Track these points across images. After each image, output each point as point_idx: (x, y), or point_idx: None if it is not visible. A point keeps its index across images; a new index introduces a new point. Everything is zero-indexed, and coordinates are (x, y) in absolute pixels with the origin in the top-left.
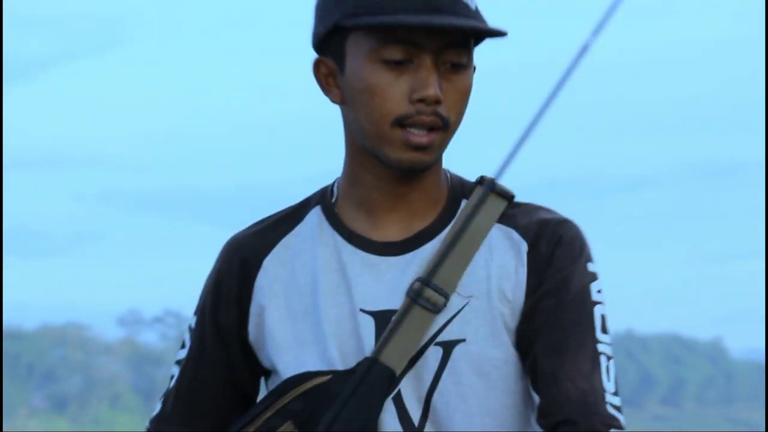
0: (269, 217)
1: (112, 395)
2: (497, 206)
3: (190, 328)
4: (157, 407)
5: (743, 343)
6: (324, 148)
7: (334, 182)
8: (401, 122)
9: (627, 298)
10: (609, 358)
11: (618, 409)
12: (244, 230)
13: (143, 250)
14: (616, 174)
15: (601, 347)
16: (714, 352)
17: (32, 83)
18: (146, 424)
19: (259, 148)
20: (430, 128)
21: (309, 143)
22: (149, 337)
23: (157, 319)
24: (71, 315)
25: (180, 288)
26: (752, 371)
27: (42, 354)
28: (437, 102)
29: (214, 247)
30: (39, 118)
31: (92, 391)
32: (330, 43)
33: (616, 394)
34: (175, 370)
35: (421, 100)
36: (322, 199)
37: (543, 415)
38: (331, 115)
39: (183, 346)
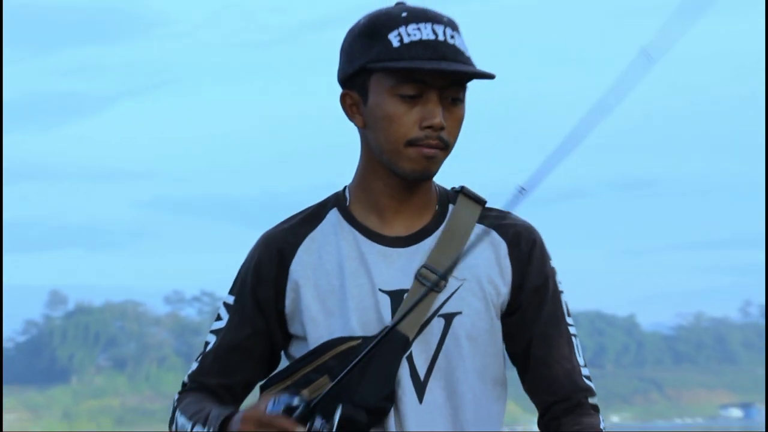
0: (294, 217)
1: (159, 357)
2: (475, 210)
3: (226, 304)
4: (194, 366)
5: (651, 319)
6: (323, 166)
7: (344, 189)
8: (413, 143)
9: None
10: (575, 336)
11: (589, 378)
12: (275, 227)
13: (184, 245)
14: (555, 186)
15: (571, 329)
16: (628, 326)
17: (100, 116)
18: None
19: (274, 163)
20: (437, 147)
21: (312, 161)
22: (189, 312)
23: (196, 298)
24: (129, 294)
25: (213, 274)
26: (658, 340)
27: (106, 325)
28: (441, 128)
29: (240, 242)
30: (105, 141)
31: (144, 354)
32: (356, 80)
33: (585, 366)
34: (212, 337)
35: (429, 127)
36: (337, 202)
37: (536, 394)
38: (328, 143)
39: (219, 319)
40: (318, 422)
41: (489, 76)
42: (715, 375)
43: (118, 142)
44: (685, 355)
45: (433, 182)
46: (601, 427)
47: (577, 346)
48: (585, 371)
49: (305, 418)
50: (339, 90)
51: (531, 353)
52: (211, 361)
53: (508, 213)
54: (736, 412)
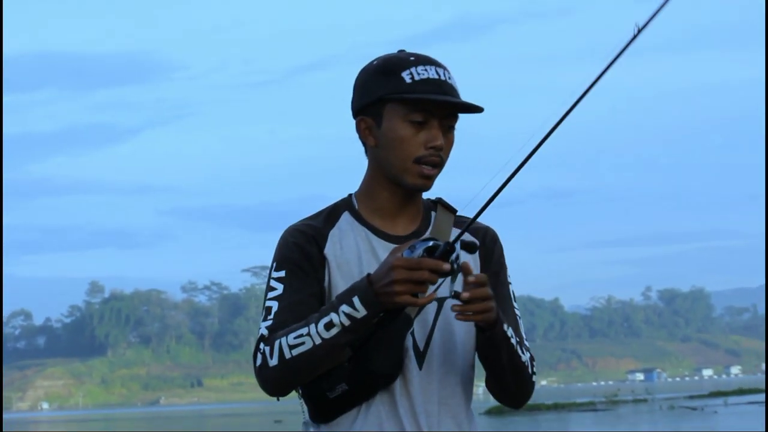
0: (314, 216)
1: (177, 335)
2: (450, 216)
3: (277, 278)
4: (267, 323)
5: (571, 302)
6: (307, 182)
7: (350, 196)
8: (419, 161)
9: None
10: (520, 317)
11: (529, 350)
12: (300, 223)
13: (197, 244)
14: (501, 199)
15: (517, 312)
16: (553, 307)
17: (129, 143)
18: (259, 334)
19: (270, 179)
20: (434, 165)
21: (299, 178)
22: (201, 298)
23: (206, 287)
24: (153, 284)
25: (220, 267)
26: (577, 319)
27: (134, 309)
28: (441, 149)
29: (240, 242)
30: (133, 163)
31: (165, 332)
32: (371, 108)
33: (525, 340)
34: (273, 303)
35: (433, 147)
36: (347, 206)
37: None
38: (312, 164)
39: (273, 289)
40: (455, 259)
41: (479, 109)
42: (623, 346)
43: (144, 163)
44: (599, 330)
45: (421, 194)
46: (532, 361)
47: (521, 325)
48: (526, 344)
49: (446, 254)
50: (321, 121)
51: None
52: (286, 315)
53: (474, 219)
54: (639, 376)
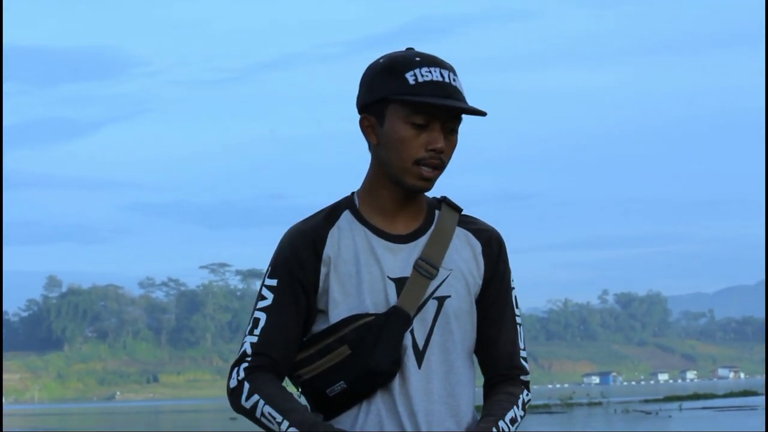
0: (314, 216)
1: (134, 330)
2: (454, 215)
3: (269, 287)
4: (253, 339)
5: (528, 304)
6: (267, 180)
7: (352, 194)
8: (419, 162)
9: None
10: (520, 325)
11: (526, 360)
12: (301, 223)
13: (155, 240)
14: (460, 199)
15: (518, 319)
16: None
17: (89, 138)
18: (239, 350)
19: (229, 177)
20: (434, 167)
21: (259, 176)
22: (158, 294)
23: (164, 283)
24: (111, 279)
25: (178, 263)
26: (534, 321)
27: (92, 304)
28: (441, 152)
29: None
30: (93, 158)
31: (122, 328)
32: (374, 107)
33: (524, 349)
34: (262, 314)
35: (433, 150)
36: (348, 205)
37: (483, 366)
38: (272, 162)
39: (263, 299)
40: None
41: (482, 113)
42: (579, 349)
43: (104, 159)
44: (555, 333)
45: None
46: (524, 397)
47: (520, 333)
48: (523, 354)
49: None
50: (281, 119)
51: (484, 332)
52: (272, 335)
53: (478, 219)
54: (595, 379)
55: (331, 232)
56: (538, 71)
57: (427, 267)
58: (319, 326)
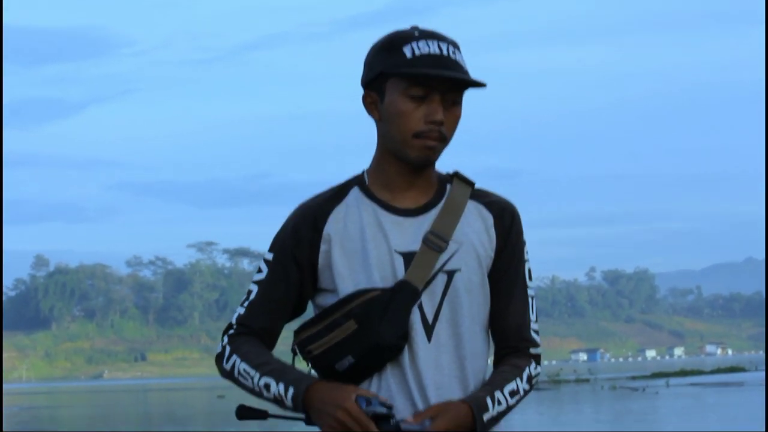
0: (324, 193)
1: (122, 309)
2: (466, 189)
3: (266, 260)
4: (240, 310)
5: None
6: (254, 159)
7: (363, 172)
8: (419, 135)
9: None
10: (532, 298)
11: (537, 332)
12: (309, 200)
13: (142, 219)
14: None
15: (529, 292)
16: None
17: (76, 118)
18: (231, 318)
19: (216, 156)
20: (436, 139)
21: (245, 156)
22: (146, 273)
23: (151, 262)
24: (98, 258)
25: (165, 242)
26: None
27: (80, 282)
28: (441, 124)
29: (186, 218)
30: (81, 138)
31: (110, 306)
32: (375, 84)
33: (536, 322)
34: (254, 287)
35: (432, 122)
36: (358, 182)
37: (493, 338)
38: (257, 141)
39: (259, 271)
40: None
41: (481, 84)
42: (566, 326)
43: (91, 138)
44: (543, 310)
45: (434, 167)
46: (531, 370)
47: (531, 305)
48: (534, 326)
49: (386, 423)
50: (268, 98)
51: (494, 304)
52: (257, 308)
53: (492, 192)
54: (583, 356)
55: (336, 209)
56: (522, 50)
57: (436, 240)
58: (326, 302)
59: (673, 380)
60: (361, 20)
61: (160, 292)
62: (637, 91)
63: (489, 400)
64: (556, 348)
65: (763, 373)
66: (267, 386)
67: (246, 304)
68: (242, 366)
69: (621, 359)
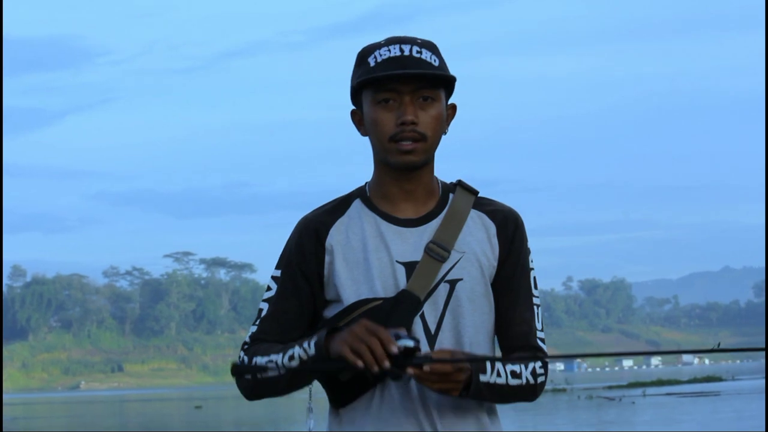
0: (325, 205)
1: (98, 319)
2: (470, 198)
3: (274, 278)
4: (253, 329)
5: None
6: (232, 168)
7: (365, 184)
8: (394, 138)
9: None
10: (538, 306)
11: (543, 341)
12: (311, 213)
13: (120, 229)
14: None
15: (535, 300)
16: None
17: (54, 127)
18: (244, 338)
19: (194, 165)
20: (414, 140)
21: (223, 164)
22: (123, 283)
23: (128, 272)
24: (75, 268)
25: (142, 252)
26: None
27: (56, 293)
28: (413, 123)
29: (163, 229)
30: (59, 147)
31: (87, 317)
32: (355, 99)
33: (542, 330)
34: (264, 305)
35: (403, 123)
36: (360, 194)
37: (500, 347)
38: (236, 149)
39: (269, 290)
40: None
41: (444, 76)
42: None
43: (69, 148)
44: None
45: (436, 177)
46: (537, 367)
47: (537, 314)
48: (540, 335)
49: (410, 356)
50: (246, 107)
51: (499, 313)
52: (269, 323)
53: (495, 201)
54: (560, 366)
55: (339, 220)
56: (502, 58)
57: (438, 250)
58: (331, 313)
59: (649, 390)
60: (339, 29)
61: (137, 302)
62: (615, 101)
63: (489, 364)
64: None
65: (740, 383)
66: (291, 357)
67: (258, 321)
68: (262, 361)
69: (598, 369)
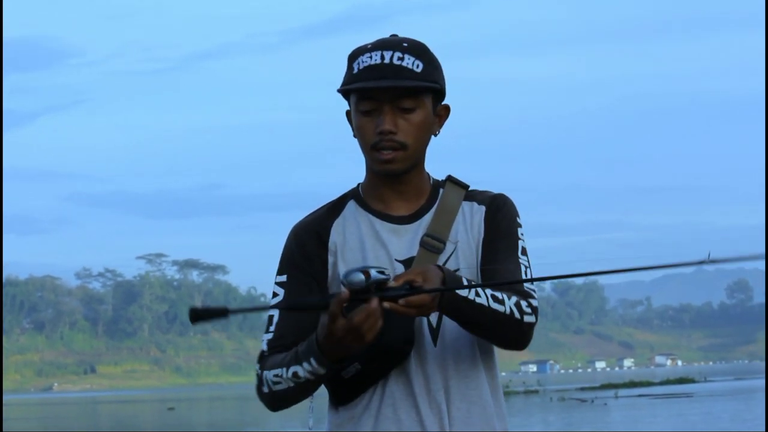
0: (320, 209)
1: (71, 321)
2: (460, 191)
3: (279, 283)
4: (268, 336)
5: None
6: (206, 169)
7: (357, 186)
8: (374, 147)
9: None
10: (526, 267)
11: (533, 290)
12: (305, 218)
13: (93, 231)
14: None
15: (521, 260)
16: None
17: (28, 128)
18: (261, 346)
19: (167, 167)
20: (393, 149)
21: (197, 166)
22: (95, 285)
23: (101, 274)
24: (48, 270)
25: (115, 254)
26: None
27: (29, 295)
28: (391, 132)
29: (136, 230)
30: (33, 149)
31: (59, 319)
32: (347, 101)
33: (534, 291)
34: (274, 312)
35: (381, 133)
36: (354, 195)
37: None
38: (209, 150)
39: (275, 296)
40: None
41: (421, 87)
42: None
43: (43, 149)
44: None
45: (427, 173)
46: (522, 302)
47: (526, 269)
48: (530, 286)
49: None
50: (218, 109)
51: (483, 270)
52: (285, 328)
53: (486, 190)
54: (532, 368)
55: (336, 222)
56: (479, 60)
57: (433, 242)
58: None
59: (622, 391)
60: (311, 31)
61: (110, 304)
62: (587, 103)
63: (465, 281)
64: (505, 359)
65: (712, 385)
66: (295, 375)
67: (271, 328)
68: (271, 375)
69: (571, 371)
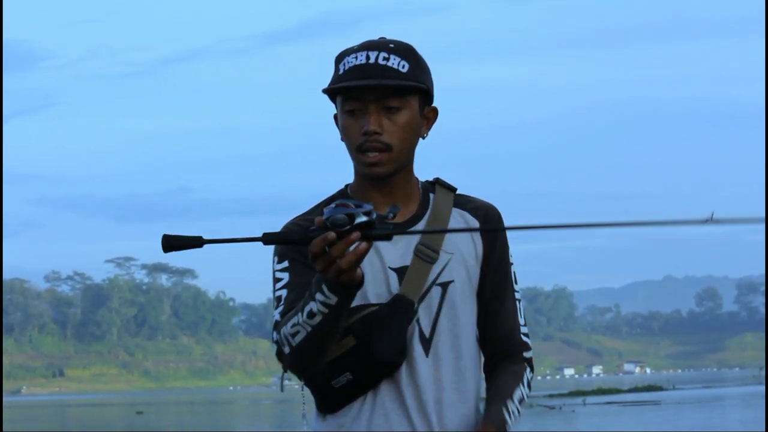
0: (310, 211)
1: (40, 324)
2: (449, 195)
3: (281, 269)
4: (280, 308)
5: None
6: (173, 173)
7: (345, 187)
8: (360, 148)
9: None
10: (520, 301)
11: (527, 336)
12: (296, 218)
13: (62, 234)
14: None
15: (517, 295)
16: None
17: None
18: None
19: (136, 170)
20: (379, 150)
21: (164, 169)
22: (64, 288)
23: (69, 277)
24: (17, 273)
25: (84, 257)
26: None
27: None
28: (376, 133)
29: (105, 234)
30: (4, 150)
31: (28, 322)
32: (335, 103)
33: (525, 325)
34: (282, 291)
35: (366, 133)
36: (342, 197)
37: (485, 343)
38: (176, 155)
39: (279, 280)
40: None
41: (406, 85)
42: None
43: (13, 152)
44: None
45: (416, 177)
46: (527, 375)
47: (520, 309)
48: (524, 330)
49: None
50: (188, 113)
51: (483, 308)
52: (293, 300)
53: (473, 197)
54: None
55: None
56: (449, 66)
57: (427, 251)
58: None
59: (590, 399)
60: (281, 36)
61: (78, 307)
62: (556, 110)
63: (506, 414)
64: None
65: (680, 392)
66: (310, 314)
67: (282, 303)
68: (288, 328)
69: (539, 377)
